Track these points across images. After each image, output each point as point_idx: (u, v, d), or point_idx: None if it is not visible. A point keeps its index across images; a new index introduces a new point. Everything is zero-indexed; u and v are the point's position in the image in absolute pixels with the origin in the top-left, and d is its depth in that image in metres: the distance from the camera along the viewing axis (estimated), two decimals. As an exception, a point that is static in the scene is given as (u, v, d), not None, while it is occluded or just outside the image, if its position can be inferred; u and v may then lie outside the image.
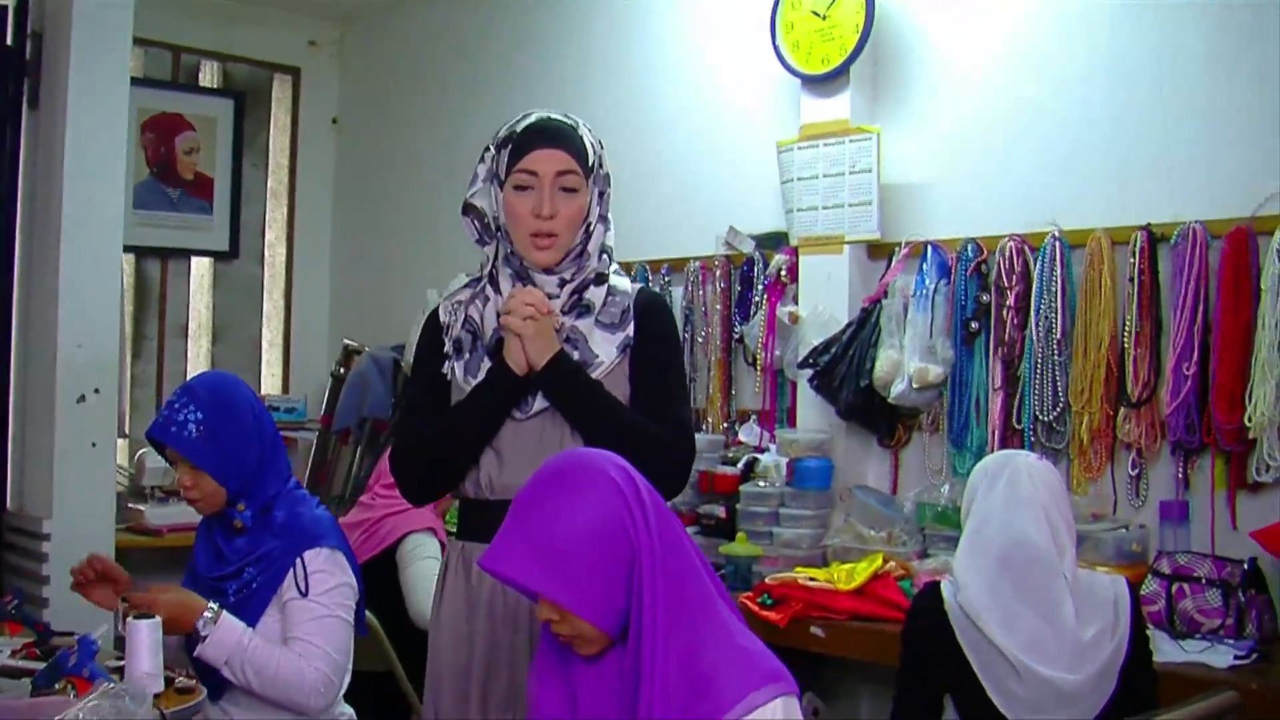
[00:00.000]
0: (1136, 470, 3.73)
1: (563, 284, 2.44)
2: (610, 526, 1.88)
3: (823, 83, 4.39)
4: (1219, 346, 3.51)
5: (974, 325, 4.02)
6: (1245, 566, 3.34)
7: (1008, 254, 3.95)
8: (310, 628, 2.74)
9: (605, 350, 2.45)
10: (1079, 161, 3.93)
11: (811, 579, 3.77)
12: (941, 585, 2.69)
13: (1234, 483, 3.56)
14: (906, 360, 4.05)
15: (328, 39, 6.68)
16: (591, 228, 2.45)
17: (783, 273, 4.51)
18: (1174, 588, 3.40)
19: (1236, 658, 3.13)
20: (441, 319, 2.55)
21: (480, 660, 2.44)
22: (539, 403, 2.41)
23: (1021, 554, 2.60)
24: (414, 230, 6.21)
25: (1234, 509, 3.57)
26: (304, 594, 2.75)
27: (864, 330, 4.21)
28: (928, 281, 4.10)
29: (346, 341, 6.18)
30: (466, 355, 2.48)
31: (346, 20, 6.70)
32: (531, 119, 2.43)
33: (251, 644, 2.66)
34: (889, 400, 4.10)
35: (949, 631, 2.61)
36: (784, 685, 1.89)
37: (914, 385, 4.02)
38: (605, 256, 2.51)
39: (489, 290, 2.49)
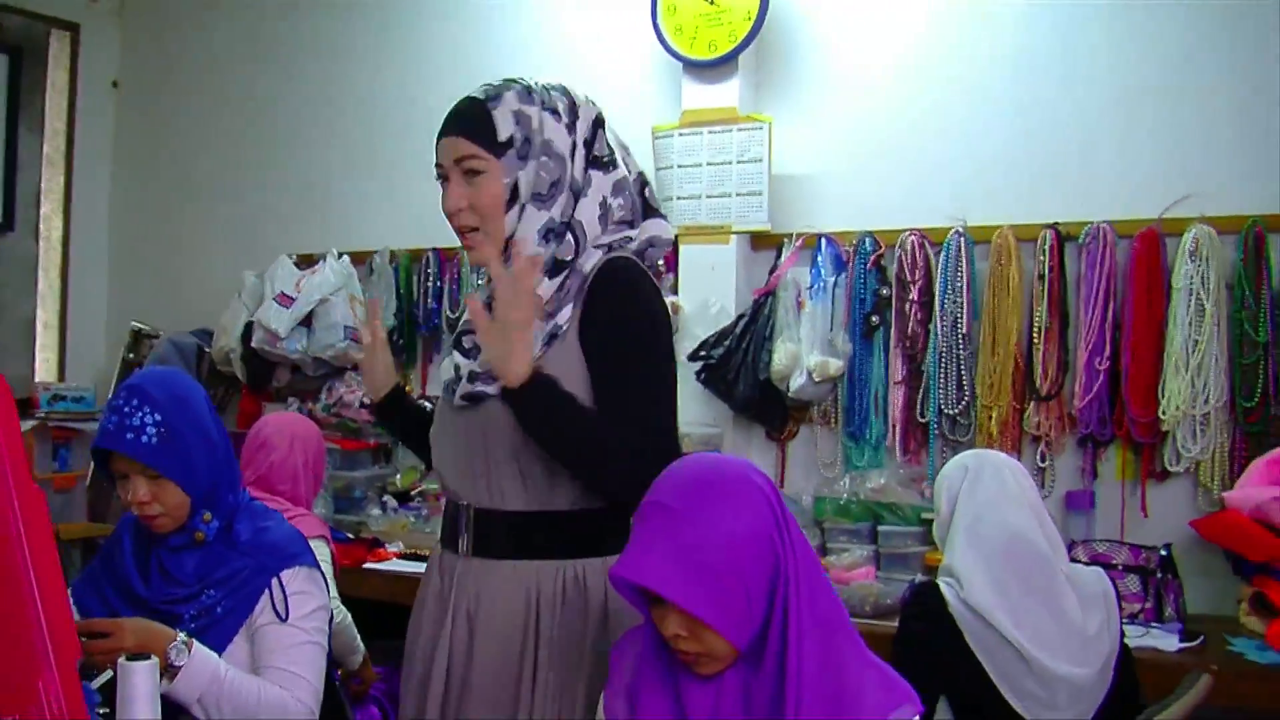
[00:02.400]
0: (1044, 462, 3.85)
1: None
2: (759, 539, 1.78)
3: (709, 69, 4.33)
4: (1132, 343, 3.68)
5: (875, 319, 4.06)
6: (1162, 552, 3.51)
7: (909, 248, 4.00)
8: (291, 656, 2.43)
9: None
10: (982, 158, 4.03)
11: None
12: (940, 586, 2.62)
13: (1144, 473, 3.72)
14: (805, 353, 4.06)
15: (108, -6, 6.15)
16: (525, 207, 2.18)
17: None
18: (1092, 575, 3.53)
19: (1180, 640, 3.26)
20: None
21: (417, 665, 2.34)
22: (457, 399, 2.24)
23: (1022, 549, 2.59)
24: (216, 206, 5.81)
25: (1144, 498, 3.73)
26: (283, 619, 2.44)
27: (757, 323, 4.19)
28: (824, 274, 4.12)
29: (136, 324, 5.70)
30: (445, 351, 2.44)
31: (129, -26, 6.20)
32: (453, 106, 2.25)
33: (229, 676, 2.33)
34: (789, 394, 4.09)
35: (954, 633, 2.56)
36: (916, 705, 1.84)
37: (814, 378, 4.03)
38: (569, 234, 2.20)
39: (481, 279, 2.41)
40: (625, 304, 2.19)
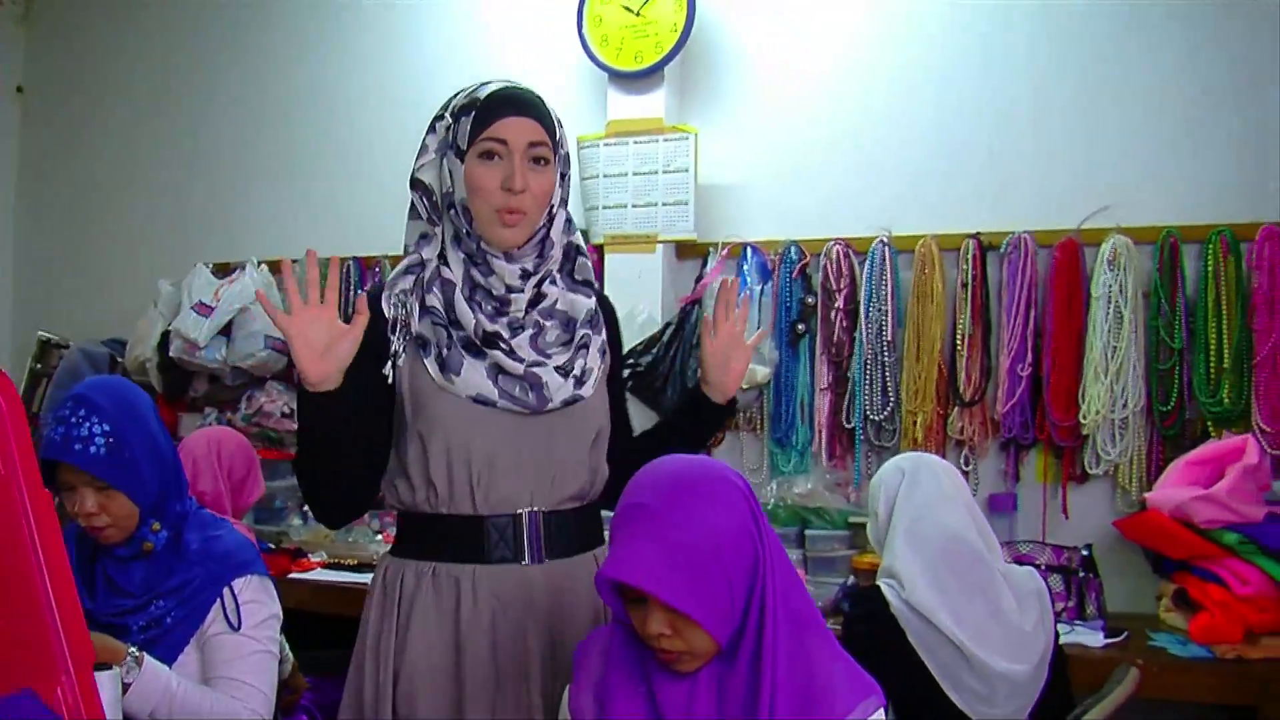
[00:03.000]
0: (968, 466, 3.94)
1: (525, 275, 2.21)
2: (739, 535, 1.80)
3: (635, 80, 4.36)
4: (1053, 350, 3.79)
5: (801, 327, 4.12)
6: (1084, 552, 3.61)
7: (834, 257, 4.08)
8: (243, 666, 2.42)
9: (594, 357, 2.29)
10: (906, 169, 4.13)
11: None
12: (881, 587, 2.68)
13: (1065, 476, 3.83)
14: (731, 360, 4.09)
15: (13, -3, 6.03)
16: (554, 211, 2.24)
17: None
18: (1016, 575, 3.62)
19: (1105, 637, 3.36)
20: (387, 314, 2.22)
21: (481, 689, 2.18)
22: (556, 402, 2.20)
23: (961, 550, 2.65)
24: (128, 214, 5.70)
25: (1065, 499, 3.84)
26: (236, 628, 2.43)
27: (684, 331, 4.24)
28: (750, 283, 4.18)
29: (43, 334, 5.58)
30: (441, 350, 2.20)
31: (34, -22, 6.07)
32: (496, 85, 2.19)
33: (180, 689, 2.31)
34: (716, 399, 4.13)
35: (897, 633, 2.62)
36: (881, 699, 1.87)
37: (741, 386, 4.06)
38: (584, 260, 2.33)
39: (445, 273, 2.22)
40: (620, 335, 2.47)
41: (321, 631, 3.64)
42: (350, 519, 2.33)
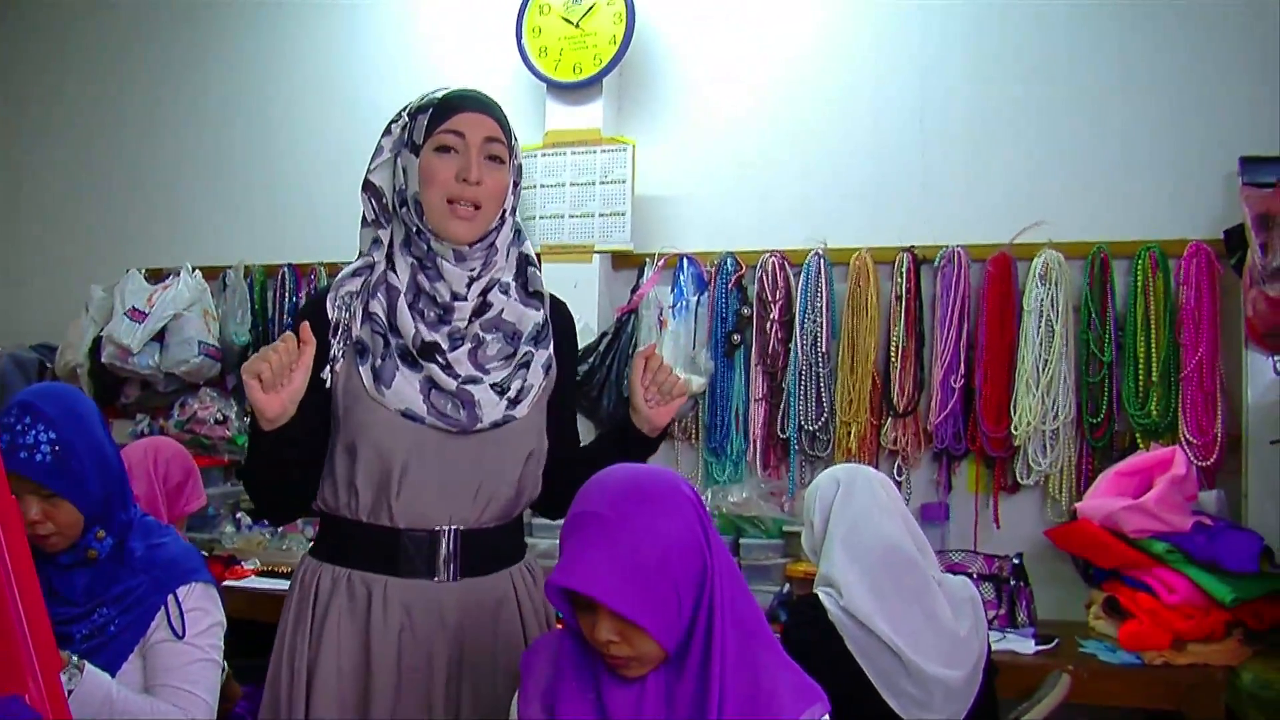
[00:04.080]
0: (901, 476, 3.99)
1: (470, 281, 2.19)
2: (687, 544, 1.81)
3: (573, 91, 4.40)
4: (985, 362, 3.85)
5: (736, 338, 4.16)
6: (1015, 561, 3.66)
7: (769, 269, 4.12)
8: (187, 673, 2.38)
9: (534, 374, 2.27)
10: (841, 182, 4.19)
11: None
12: (819, 595, 2.69)
13: (996, 486, 3.90)
14: (668, 370, 4.12)
15: (-57, 0, 5.92)
16: (506, 215, 2.23)
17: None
18: (947, 585, 3.67)
19: (1036, 644, 3.41)
20: (330, 315, 2.21)
21: (384, 697, 2.18)
22: (485, 423, 2.19)
23: (897, 558, 2.68)
24: (57, 218, 5.62)
25: (997, 509, 3.91)
26: (180, 636, 2.39)
27: (620, 340, 4.26)
28: (686, 293, 4.21)
29: (-29, 339, 5.51)
30: (376, 360, 2.18)
31: (-33, -22, 5.97)
32: (452, 87, 2.23)
33: (120, 697, 2.28)
34: (653, 408, 4.15)
35: (835, 640, 2.63)
36: (826, 705, 1.89)
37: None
38: (534, 270, 2.32)
39: (390, 278, 2.21)
40: (576, 345, 2.47)
41: (255, 639, 3.60)
42: (296, 516, 2.39)
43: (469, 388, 2.17)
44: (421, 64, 4.81)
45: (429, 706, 2.17)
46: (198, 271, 4.95)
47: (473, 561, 2.21)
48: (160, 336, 4.81)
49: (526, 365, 2.23)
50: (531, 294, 2.29)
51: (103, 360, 4.85)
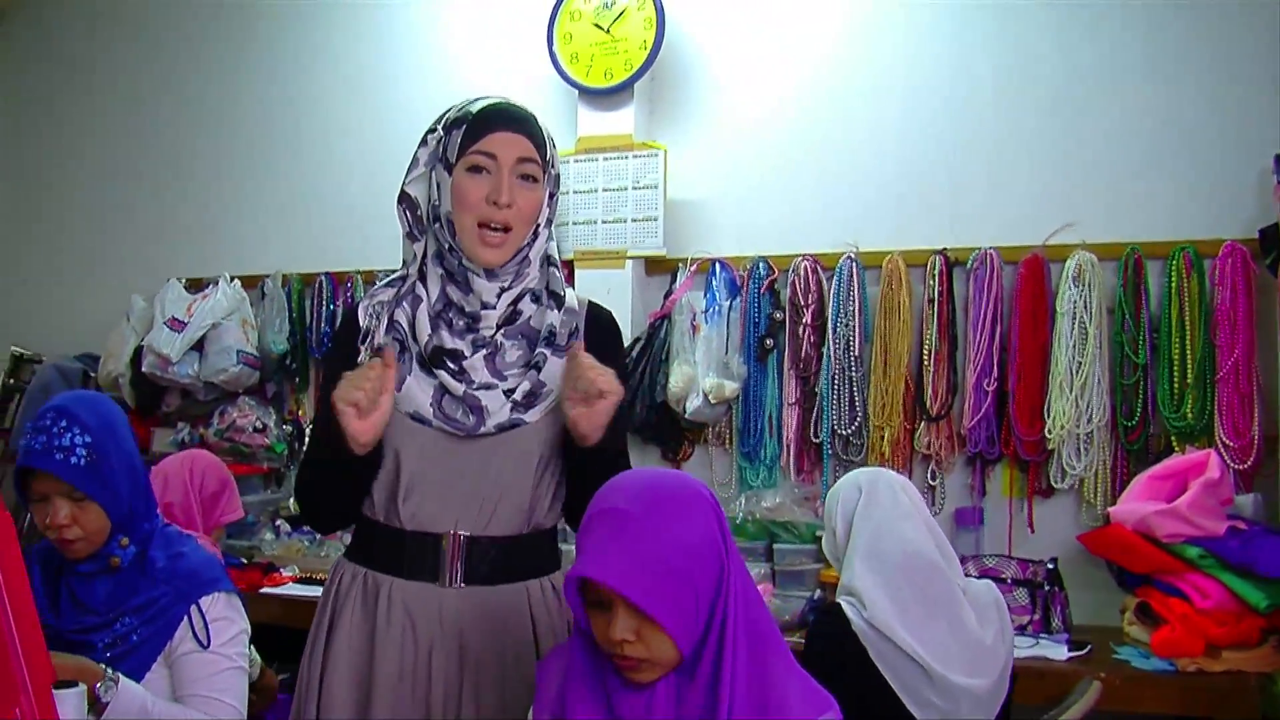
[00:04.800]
0: (934, 480, 3.96)
1: (501, 292, 2.19)
2: (708, 547, 1.80)
3: (605, 96, 4.40)
4: (1018, 365, 3.83)
5: (769, 342, 4.14)
6: (1049, 565, 3.64)
7: (802, 273, 4.11)
8: (215, 682, 2.43)
9: (553, 378, 2.22)
10: (873, 185, 4.17)
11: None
12: (842, 605, 2.65)
13: (1030, 490, 3.86)
14: (701, 376, 4.13)
15: (-13, 12, 6.02)
16: (540, 229, 2.23)
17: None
18: (982, 589, 3.64)
19: (1069, 650, 3.39)
20: (361, 322, 2.26)
21: (384, 701, 2.19)
22: (489, 426, 2.18)
23: (920, 566, 2.64)
24: (101, 228, 5.70)
25: (1031, 513, 3.87)
26: (205, 646, 2.43)
27: (653, 346, 4.26)
28: (719, 298, 4.20)
29: (16, 349, 5.58)
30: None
31: (2, -6, 6.07)
32: (488, 100, 2.20)
33: (155, 708, 2.32)
34: (685, 415, 4.16)
35: (858, 651, 2.60)
36: (838, 713, 1.88)
37: (709, 400, 4.11)
38: (555, 270, 2.29)
39: (418, 289, 2.23)
40: (621, 353, 2.37)
41: (294, 645, 3.63)
42: (347, 526, 2.39)
43: (479, 393, 2.17)
44: (454, 72, 4.83)
45: (427, 711, 2.17)
46: (236, 281, 5.01)
47: (480, 570, 2.20)
48: (199, 345, 4.87)
49: (538, 368, 2.21)
50: (551, 294, 2.26)
51: (143, 369, 4.92)
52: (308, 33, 5.25)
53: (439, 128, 2.20)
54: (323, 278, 4.95)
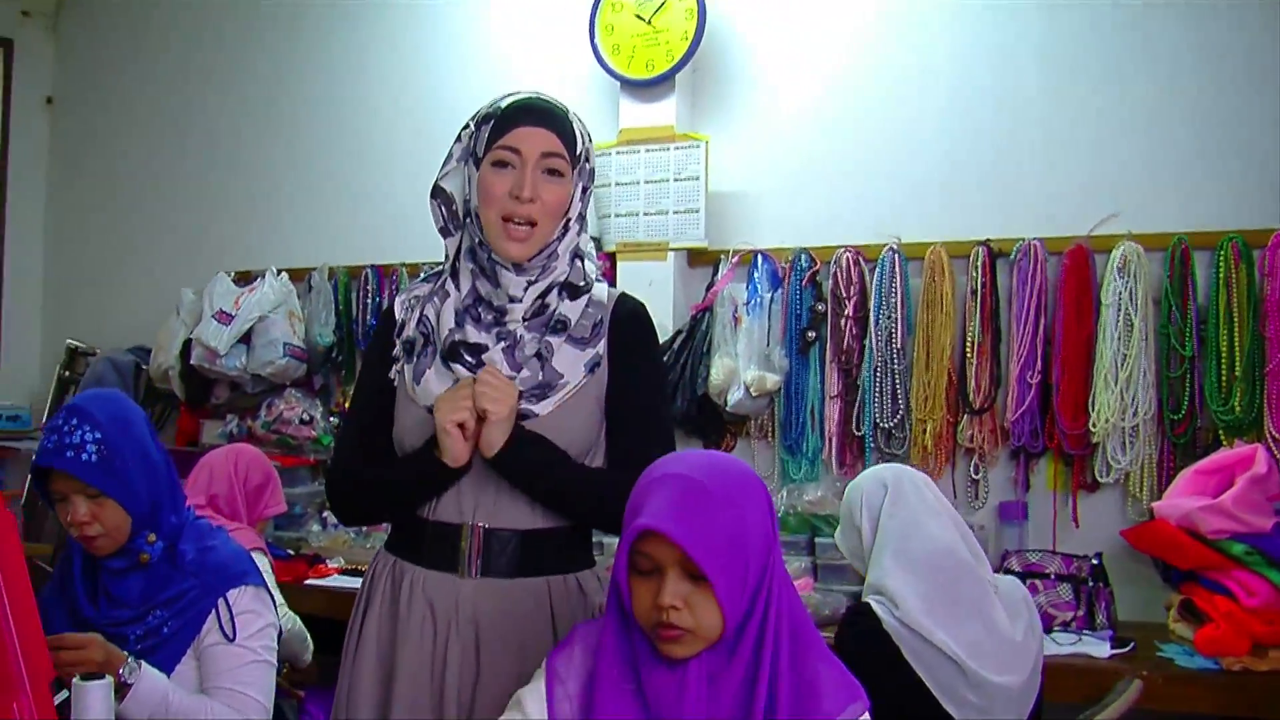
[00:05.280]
0: (978, 474, 3.92)
1: (528, 286, 2.20)
2: (761, 526, 1.83)
3: (646, 88, 4.39)
4: (1062, 357, 3.77)
5: (811, 335, 4.11)
6: (1093, 561, 3.58)
7: (844, 265, 4.07)
8: (240, 675, 2.45)
9: (571, 370, 2.22)
10: (916, 176, 4.12)
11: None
12: (872, 605, 2.64)
13: (1075, 484, 3.81)
14: (742, 368, 4.11)
15: (42, 8, 6.12)
16: (570, 224, 2.22)
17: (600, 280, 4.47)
18: (1026, 584, 3.57)
19: (1112, 647, 3.33)
20: (397, 315, 2.31)
21: (404, 689, 2.21)
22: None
23: (951, 563, 2.63)
24: (153, 223, 5.79)
25: (1075, 508, 3.82)
26: (231, 639, 2.46)
27: (695, 338, 4.25)
28: (760, 290, 4.18)
29: (72, 342, 5.68)
30: (416, 359, 2.26)
31: (63, -12, 6.17)
32: (518, 95, 2.21)
33: (176, 698, 2.35)
34: (727, 408, 4.14)
35: (892, 651, 2.58)
36: (866, 703, 1.87)
37: (751, 393, 4.09)
38: (580, 262, 2.28)
39: (449, 285, 2.26)
40: (653, 347, 2.34)
41: (337, 637, 3.67)
42: (378, 523, 2.51)
43: None
44: (497, 64, 4.84)
45: (442, 703, 2.19)
46: (283, 274, 5.06)
47: (499, 561, 2.21)
48: (247, 338, 4.92)
49: (541, 357, 2.21)
50: (567, 285, 2.24)
51: (191, 362, 4.97)
52: (353, 29, 5.27)
53: (471, 123, 2.21)
54: (368, 270, 4.98)
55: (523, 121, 2.14)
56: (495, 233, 2.15)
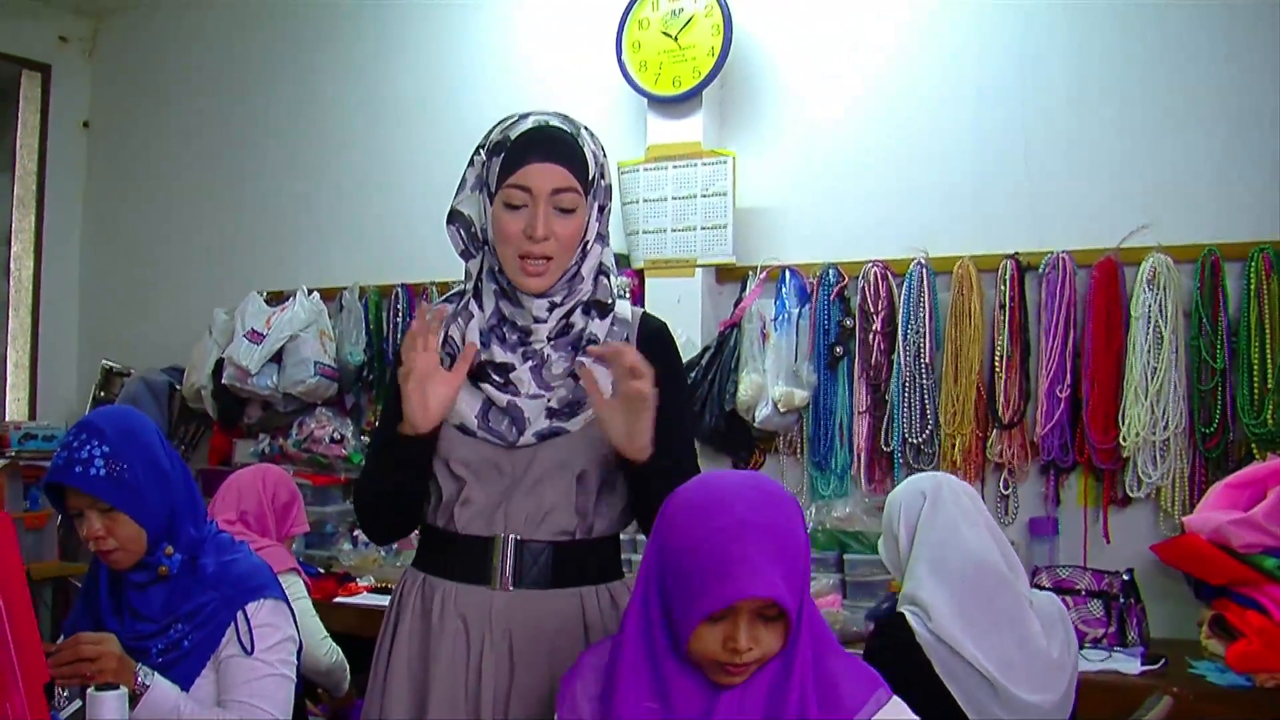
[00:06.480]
0: (1007, 489, 3.89)
1: (552, 308, 2.20)
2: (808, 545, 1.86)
3: (673, 104, 4.39)
4: (1091, 371, 3.74)
5: (839, 350, 4.10)
6: (1124, 577, 3.54)
7: (871, 280, 4.06)
8: (254, 689, 2.44)
9: (602, 386, 2.19)
10: (943, 190, 4.11)
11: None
12: (905, 615, 2.61)
13: (1106, 499, 3.77)
14: (770, 384, 4.10)
15: (79, 34, 6.20)
16: (589, 247, 2.22)
17: (625, 296, 4.46)
18: (1057, 601, 3.56)
19: (1143, 664, 3.29)
20: (442, 319, 2.28)
21: (439, 703, 2.19)
22: (528, 435, 2.19)
23: (986, 576, 2.59)
24: (186, 244, 5.84)
25: (1106, 523, 3.78)
26: (249, 652, 2.45)
27: (723, 354, 4.24)
28: (788, 306, 4.17)
29: (107, 363, 5.72)
30: None
31: (99, 14, 6.24)
32: (528, 124, 2.15)
33: (187, 709, 2.35)
34: (755, 424, 4.12)
35: (923, 663, 2.55)
36: (888, 689, 1.87)
37: (779, 409, 4.07)
38: (606, 279, 2.28)
39: (472, 306, 2.25)
40: (677, 362, 2.36)
41: (366, 654, 3.68)
42: (401, 537, 2.45)
43: (522, 403, 2.18)
44: (525, 82, 4.85)
45: (477, 713, 2.18)
46: (314, 293, 5.08)
47: (531, 573, 2.21)
48: (278, 358, 4.94)
49: (575, 376, 2.19)
50: (594, 303, 2.24)
51: (224, 381, 4.99)
52: (385, 52, 5.31)
53: (482, 152, 2.19)
54: (399, 289, 5.00)
55: (531, 157, 2.10)
56: (513, 269, 2.15)
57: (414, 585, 2.30)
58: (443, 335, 2.25)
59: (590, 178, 2.16)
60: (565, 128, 2.16)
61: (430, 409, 2.12)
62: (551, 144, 2.12)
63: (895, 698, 1.86)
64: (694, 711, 1.82)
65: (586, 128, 2.20)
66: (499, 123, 2.18)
